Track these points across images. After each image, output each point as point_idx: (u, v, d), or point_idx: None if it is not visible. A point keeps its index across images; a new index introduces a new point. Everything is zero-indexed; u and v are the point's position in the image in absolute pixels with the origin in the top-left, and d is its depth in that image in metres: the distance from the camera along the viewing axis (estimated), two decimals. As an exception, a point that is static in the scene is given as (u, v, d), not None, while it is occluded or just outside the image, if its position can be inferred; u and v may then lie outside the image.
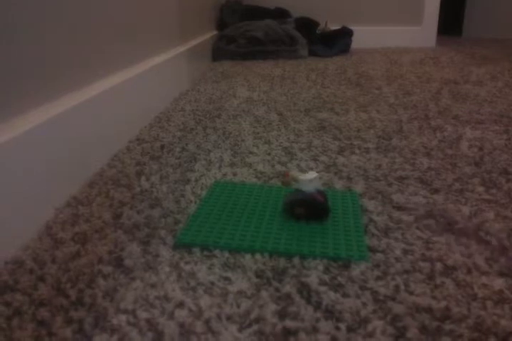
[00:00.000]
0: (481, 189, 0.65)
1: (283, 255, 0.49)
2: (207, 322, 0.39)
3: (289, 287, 0.44)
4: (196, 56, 1.66)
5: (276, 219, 0.56)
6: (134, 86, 0.93)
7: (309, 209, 0.55)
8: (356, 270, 0.46)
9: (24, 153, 0.52)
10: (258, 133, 0.94)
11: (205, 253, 0.50)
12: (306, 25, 2.30)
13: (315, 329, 0.38)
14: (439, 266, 0.47)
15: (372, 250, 0.50)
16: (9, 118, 0.53)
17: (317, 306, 0.41)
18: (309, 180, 0.55)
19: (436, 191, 0.64)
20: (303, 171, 0.72)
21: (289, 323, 0.39)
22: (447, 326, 0.38)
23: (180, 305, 0.41)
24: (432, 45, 2.61)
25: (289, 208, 0.56)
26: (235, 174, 0.72)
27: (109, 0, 0.84)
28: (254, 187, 0.66)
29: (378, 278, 0.45)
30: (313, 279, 0.45)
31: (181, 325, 0.39)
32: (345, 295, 0.42)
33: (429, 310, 0.40)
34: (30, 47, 0.57)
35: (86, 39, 0.74)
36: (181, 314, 0.40)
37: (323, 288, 0.43)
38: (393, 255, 0.49)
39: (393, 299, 0.42)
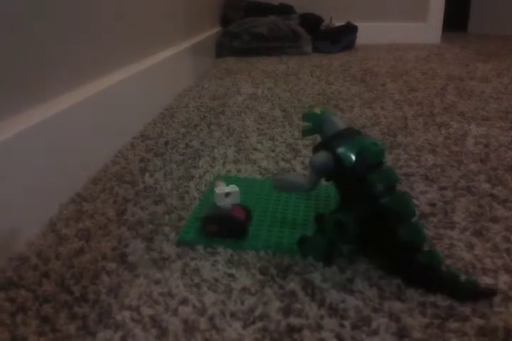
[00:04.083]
0: (486, 186, 0.64)
1: (286, 253, 0.49)
2: (211, 318, 0.39)
3: (293, 284, 0.43)
4: (200, 52, 1.65)
5: (278, 215, 0.56)
6: (138, 82, 0.93)
7: (223, 227, 0.51)
8: (360, 267, 0.46)
9: (27, 150, 0.52)
10: (262, 129, 0.93)
11: (209, 249, 0.49)
12: (311, 21, 2.29)
13: (319, 327, 0.38)
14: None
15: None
16: (11, 115, 0.53)
17: (321, 303, 0.41)
18: (224, 193, 0.51)
19: (441, 188, 0.64)
20: (306, 169, 0.72)
21: (294, 320, 0.39)
22: (452, 324, 0.38)
23: (184, 301, 0.41)
24: (437, 42, 2.59)
25: (202, 224, 0.52)
26: (239, 170, 0.72)
27: (113, -4, 0.84)
28: (256, 182, 0.66)
29: (382, 275, 0.45)
30: (316, 276, 0.44)
31: (185, 322, 0.39)
32: (349, 292, 0.42)
33: (433, 307, 0.40)
34: (34, 44, 0.57)
35: (92, 36, 0.74)
36: (185, 310, 0.40)
37: (326, 285, 0.43)
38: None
39: (398, 296, 0.42)
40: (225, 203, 0.51)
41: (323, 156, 0.44)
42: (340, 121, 0.46)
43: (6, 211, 0.48)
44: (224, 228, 0.51)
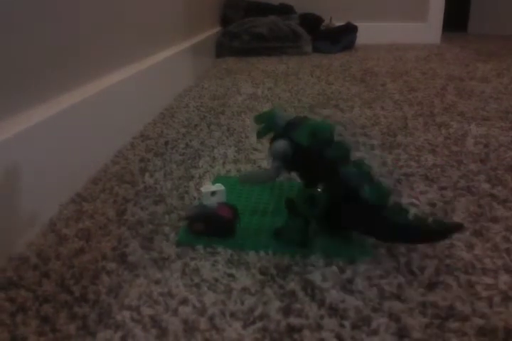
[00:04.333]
0: (486, 186, 0.64)
1: (286, 252, 0.49)
2: (211, 318, 0.39)
3: (293, 284, 0.43)
4: (200, 52, 1.65)
5: (278, 215, 0.56)
6: (138, 82, 0.93)
7: (209, 225, 0.51)
8: (360, 267, 0.46)
9: (28, 149, 0.52)
10: (262, 129, 0.93)
11: (209, 249, 0.49)
12: (311, 22, 2.29)
13: (319, 327, 0.38)
14: (443, 262, 0.46)
15: (377, 246, 0.49)
16: (11, 115, 0.53)
17: (321, 303, 0.41)
18: (210, 192, 0.51)
19: (441, 188, 0.64)
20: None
21: (293, 320, 0.39)
22: (452, 324, 0.38)
23: (184, 301, 0.41)
24: (437, 42, 2.60)
25: (188, 223, 0.52)
26: (238, 170, 0.72)
27: (113, -4, 0.84)
28: (258, 183, 0.66)
29: (383, 274, 0.45)
30: (316, 276, 0.44)
31: (185, 322, 0.39)
32: (349, 292, 0.42)
33: (433, 307, 0.40)
34: (34, 44, 0.57)
35: (92, 36, 0.74)
36: (185, 311, 0.40)
37: (326, 285, 0.43)
38: (398, 251, 0.48)
39: (397, 296, 0.42)
40: (211, 202, 0.51)
41: (280, 143, 0.47)
42: (289, 114, 0.51)
43: (6, 211, 0.48)
44: (210, 227, 0.51)
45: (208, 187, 0.51)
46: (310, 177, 0.49)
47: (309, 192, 0.47)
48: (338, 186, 0.47)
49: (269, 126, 0.49)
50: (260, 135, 0.50)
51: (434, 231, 0.45)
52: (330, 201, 0.47)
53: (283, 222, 0.51)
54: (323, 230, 0.51)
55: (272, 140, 0.49)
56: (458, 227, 0.45)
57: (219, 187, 0.51)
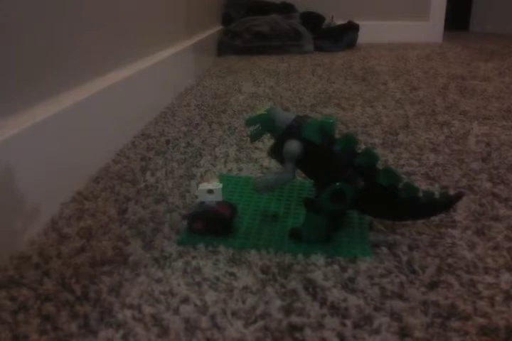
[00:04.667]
0: (488, 185, 0.64)
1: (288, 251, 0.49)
2: (212, 317, 0.39)
3: (294, 283, 0.43)
4: (201, 51, 1.65)
5: (280, 214, 0.56)
6: (140, 81, 0.93)
7: (209, 224, 0.51)
8: (362, 266, 0.46)
9: (28, 148, 0.52)
10: (263, 128, 0.93)
11: (210, 248, 0.49)
12: (312, 20, 2.29)
13: (321, 326, 0.38)
14: (445, 261, 0.46)
15: (378, 246, 0.49)
16: (11, 115, 0.53)
17: (323, 302, 0.41)
18: (207, 190, 0.51)
19: (443, 187, 0.64)
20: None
21: (295, 319, 0.39)
22: (453, 323, 0.38)
23: (186, 300, 0.41)
24: (438, 40, 2.59)
25: (187, 222, 0.52)
26: (240, 169, 0.71)
27: (114, -6, 0.84)
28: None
29: (384, 274, 0.45)
30: (318, 275, 0.44)
31: (186, 321, 0.39)
32: (350, 291, 0.42)
33: (435, 306, 0.40)
34: (34, 44, 0.57)
35: (92, 36, 0.74)
36: (186, 309, 0.40)
37: (328, 284, 0.43)
38: (400, 250, 0.48)
39: (399, 295, 0.41)
40: (208, 200, 0.51)
41: (294, 144, 0.47)
42: (286, 112, 0.50)
43: (8, 209, 0.48)
44: (210, 225, 0.51)
45: (204, 185, 0.51)
46: (322, 174, 0.48)
47: (334, 187, 0.47)
48: (354, 178, 0.47)
49: (264, 128, 0.49)
50: (255, 138, 0.50)
51: (442, 204, 0.50)
52: (355, 193, 0.47)
53: (295, 223, 0.53)
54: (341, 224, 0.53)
55: (277, 141, 0.49)
56: (460, 196, 0.51)
57: (216, 185, 0.51)
